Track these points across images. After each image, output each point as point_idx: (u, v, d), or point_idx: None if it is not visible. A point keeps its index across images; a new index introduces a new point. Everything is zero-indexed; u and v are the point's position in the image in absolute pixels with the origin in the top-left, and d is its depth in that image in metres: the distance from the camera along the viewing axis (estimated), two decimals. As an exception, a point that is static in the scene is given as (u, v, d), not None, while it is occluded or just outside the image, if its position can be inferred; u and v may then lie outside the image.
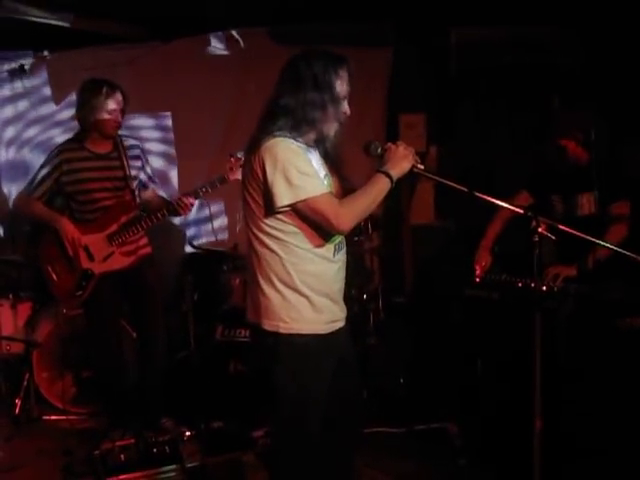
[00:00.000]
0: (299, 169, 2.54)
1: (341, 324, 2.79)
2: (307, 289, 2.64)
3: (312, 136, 2.67)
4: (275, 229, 2.62)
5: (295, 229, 2.62)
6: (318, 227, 2.62)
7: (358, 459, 3.22)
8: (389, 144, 2.72)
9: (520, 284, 3.92)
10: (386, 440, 4.22)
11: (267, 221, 2.62)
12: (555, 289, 3.78)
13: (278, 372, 2.68)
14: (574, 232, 2.82)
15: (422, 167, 2.73)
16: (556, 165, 4.04)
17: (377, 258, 5.30)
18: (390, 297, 5.25)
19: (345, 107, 2.69)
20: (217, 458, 3.92)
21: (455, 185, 2.76)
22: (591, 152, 3.98)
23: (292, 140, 2.60)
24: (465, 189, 2.76)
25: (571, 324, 3.68)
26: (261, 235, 2.65)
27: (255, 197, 2.63)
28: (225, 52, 5.77)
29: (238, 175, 3.95)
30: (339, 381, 2.81)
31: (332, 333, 2.74)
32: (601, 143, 4.12)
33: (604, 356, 3.63)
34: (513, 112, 5.39)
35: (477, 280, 4.14)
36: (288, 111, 2.61)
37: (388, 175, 2.64)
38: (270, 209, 2.59)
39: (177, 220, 5.56)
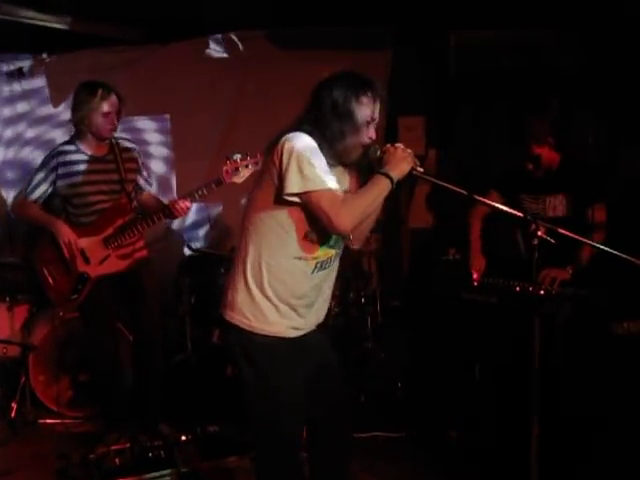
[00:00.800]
0: (312, 162, 2.55)
1: (307, 331, 2.79)
2: (272, 294, 2.65)
3: (333, 160, 2.67)
4: (267, 226, 2.63)
5: (286, 231, 2.62)
6: (311, 232, 2.62)
7: (355, 464, 3.20)
8: (388, 146, 2.71)
9: (518, 288, 3.91)
10: (383, 444, 4.22)
11: (263, 216, 2.63)
12: (553, 293, 3.78)
13: (246, 371, 2.71)
14: (574, 236, 2.81)
15: (421, 170, 2.71)
16: (531, 171, 4.05)
17: (375, 261, 5.28)
18: (388, 300, 5.24)
19: (370, 132, 2.69)
20: (212, 463, 3.91)
21: (454, 188, 2.74)
22: (561, 153, 4.00)
23: (314, 142, 2.60)
24: (464, 192, 2.75)
25: (569, 328, 3.66)
26: (251, 230, 2.67)
27: (264, 188, 2.64)
28: (224, 55, 5.77)
29: (234, 178, 3.94)
30: (324, 387, 2.82)
31: (296, 339, 2.74)
32: (600, 145, 4.13)
33: (602, 360, 3.61)
34: (512, 115, 5.37)
35: (475, 284, 4.14)
36: (308, 129, 2.62)
37: (388, 176, 2.62)
38: (279, 197, 2.59)
39: (174, 223, 5.55)
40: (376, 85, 2.69)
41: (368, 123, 2.67)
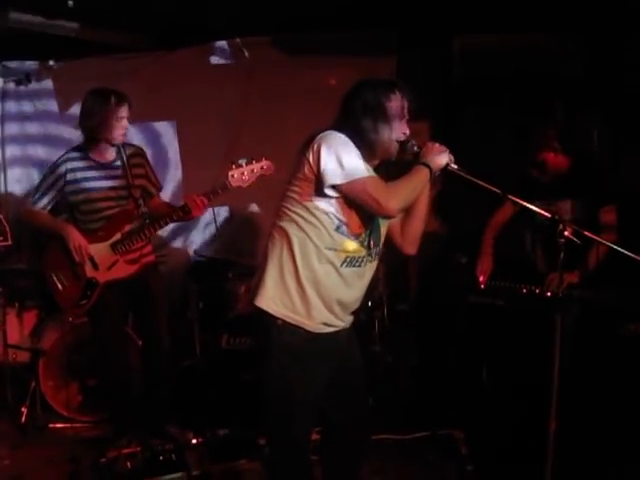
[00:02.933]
0: (351, 155, 2.64)
1: (334, 329, 2.81)
2: (306, 283, 2.70)
3: (374, 160, 2.75)
4: (301, 217, 2.69)
5: (320, 222, 2.67)
6: (358, 216, 2.69)
7: (364, 466, 3.21)
8: (426, 142, 2.80)
9: (525, 290, 3.93)
10: (392, 447, 4.22)
11: (298, 208, 2.70)
12: (560, 295, 3.79)
13: (267, 362, 2.75)
14: (595, 237, 2.85)
15: (455, 166, 2.81)
16: (538, 177, 4.06)
17: (382, 265, 5.28)
18: (395, 304, 5.25)
19: (403, 127, 2.76)
20: (223, 466, 3.92)
21: (487, 186, 2.82)
22: (571, 156, 4.01)
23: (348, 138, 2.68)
24: (498, 191, 2.85)
25: (576, 330, 3.68)
26: (285, 220, 2.73)
27: (298, 184, 2.71)
28: (229, 61, 5.81)
29: (240, 182, 3.95)
30: (346, 390, 2.84)
31: (324, 335, 2.77)
32: (604, 149, 4.15)
33: (609, 362, 3.63)
34: (517, 120, 5.39)
35: (481, 287, 4.16)
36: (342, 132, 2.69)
37: (427, 166, 2.72)
38: (318, 192, 2.65)
39: (182, 228, 5.57)
40: (402, 84, 2.78)
41: (400, 119, 2.74)
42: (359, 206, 2.69)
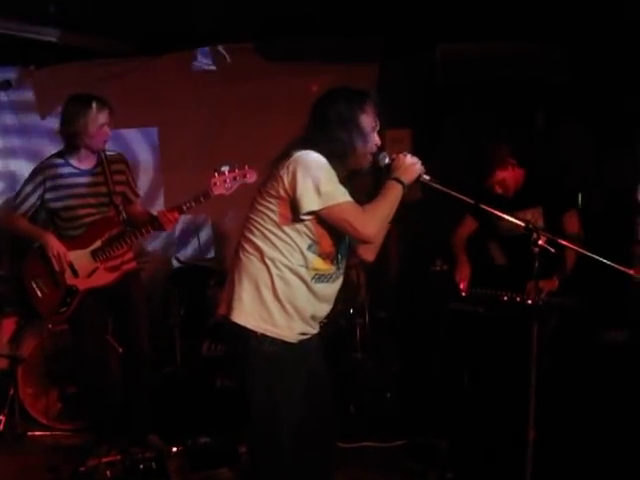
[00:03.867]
0: (328, 178, 2.64)
1: (308, 337, 2.83)
2: (283, 297, 2.70)
3: (341, 171, 2.72)
4: (274, 235, 2.69)
5: (293, 240, 2.68)
6: (330, 237, 2.70)
7: (345, 474, 3.22)
8: (396, 154, 2.79)
9: (505, 298, 3.95)
10: (373, 455, 4.23)
11: (271, 225, 2.70)
12: (540, 302, 3.81)
13: (248, 374, 2.75)
14: (569, 244, 2.87)
15: (427, 177, 2.81)
16: (501, 194, 4.11)
17: (363, 273, 5.30)
18: (377, 311, 5.25)
19: (375, 139, 2.77)
20: (203, 474, 3.91)
21: (459, 196, 2.82)
22: (525, 165, 4.07)
23: (323, 158, 2.67)
24: (470, 200, 2.85)
25: (556, 337, 3.70)
26: (257, 236, 2.72)
27: (270, 201, 2.70)
28: (212, 67, 5.79)
29: (222, 190, 3.95)
30: (313, 397, 2.84)
31: (300, 343, 2.79)
32: (584, 158, 4.18)
33: (588, 368, 3.65)
34: (499, 128, 5.42)
35: (463, 294, 4.17)
36: (315, 146, 2.69)
37: (400, 181, 2.72)
38: (293, 214, 2.66)
39: (163, 235, 5.55)
40: (372, 95, 2.80)
41: (372, 130, 2.76)
42: (332, 227, 2.70)
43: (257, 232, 2.73)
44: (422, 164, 2.79)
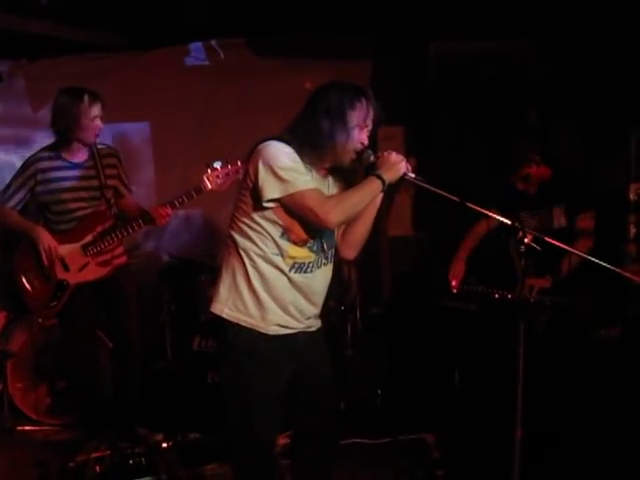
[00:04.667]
0: (289, 166, 2.63)
1: (291, 331, 2.81)
2: (259, 287, 2.72)
3: (316, 164, 2.72)
4: (247, 225, 2.71)
5: (264, 229, 2.69)
6: (301, 224, 2.69)
7: (335, 471, 3.20)
8: (382, 152, 2.77)
9: (496, 295, 3.96)
10: (363, 451, 4.22)
11: (244, 217, 2.72)
12: (532, 301, 3.82)
13: (223, 366, 2.81)
14: (558, 244, 2.87)
15: (413, 175, 2.79)
16: (524, 190, 4.11)
17: (355, 269, 5.29)
18: (368, 308, 5.25)
19: (361, 137, 2.74)
20: (193, 470, 3.90)
21: (445, 194, 2.80)
22: (552, 164, 4.07)
23: (289, 147, 2.66)
24: (456, 198, 2.81)
25: (547, 335, 3.71)
26: (234, 230, 2.76)
27: (243, 194, 2.73)
28: (204, 62, 5.77)
29: (214, 185, 3.96)
30: (311, 393, 2.84)
31: (280, 336, 2.77)
32: (575, 156, 4.19)
33: (579, 366, 3.66)
34: (491, 125, 5.43)
35: (454, 291, 4.18)
36: (296, 134, 2.69)
37: (380, 178, 2.71)
38: (258, 203, 2.67)
39: (155, 229, 5.53)
40: (370, 94, 2.75)
41: (360, 128, 2.72)
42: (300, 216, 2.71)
43: (234, 225, 2.77)
44: (407, 162, 2.77)
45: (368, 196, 2.72)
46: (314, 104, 2.72)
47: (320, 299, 2.88)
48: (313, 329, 2.90)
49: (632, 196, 4.28)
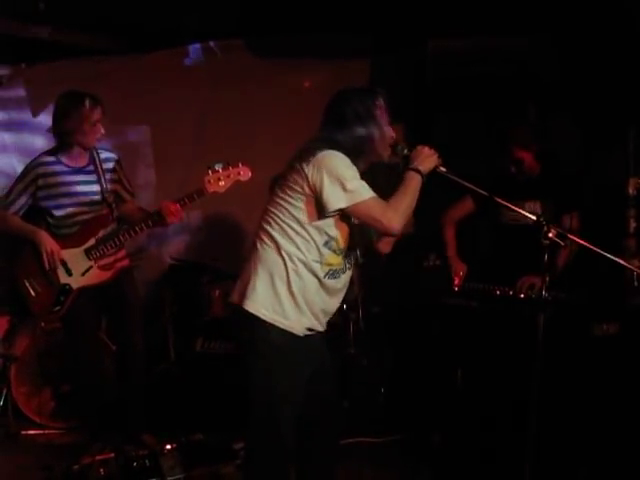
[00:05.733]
0: (352, 176, 2.73)
1: (314, 333, 2.89)
2: (297, 292, 2.77)
3: (362, 165, 2.81)
4: (293, 230, 2.76)
5: (310, 235, 2.75)
6: (345, 234, 2.80)
7: (339, 470, 3.21)
8: (416, 146, 2.88)
9: (498, 292, 3.96)
10: (366, 450, 4.23)
11: (290, 220, 2.77)
12: (533, 297, 3.82)
13: (252, 364, 2.81)
14: (579, 240, 2.89)
15: (444, 169, 2.91)
16: (511, 176, 4.11)
17: (357, 268, 5.29)
18: (370, 307, 5.25)
19: (390, 131, 2.87)
20: (198, 471, 3.90)
21: (474, 188, 2.94)
22: (543, 164, 4.08)
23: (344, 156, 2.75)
24: (484, 192, 2.97)
25: (549, 331, 3.71)
26: (276, 229, 2.79)
27: (292, 196, 2.77)
28: (202, 64, 5.78)
29: (216, 188, 3.96)
30: (319, 388, 2.88)
31: (307, 338, 2.85)
32: (574, 151, 4.18)
33: (582, 362, 3.66)
34: (490, 122, 5.43)
35: (456, 289, 4.18)
36: (335, 143, 2.77)
37: (419, 172, 2.82)
38: (320, 212, 2.73)
39: (156, 232, 5.54)
40: (382, 90, 2.91)
41: (386, 123, 2.85)
42: (352, 223, 2.81)
43: (276, 225, 2.79)
44: (439, 156, 2.88)
45: (415, 193, 2.82)
46: (341, 113, 2.81)
47: (340, 300, 2.96)
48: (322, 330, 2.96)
49: (631, 190, 4.28)
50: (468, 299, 4.10)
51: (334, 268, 2.82)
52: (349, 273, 2.93)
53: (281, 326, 2.77)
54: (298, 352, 2.80)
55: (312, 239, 2.76)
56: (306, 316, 2.81)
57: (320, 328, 2.91)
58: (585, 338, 3.67)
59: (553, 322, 3.73)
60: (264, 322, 2.76)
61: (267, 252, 2.80)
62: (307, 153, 2.75)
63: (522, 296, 3.87)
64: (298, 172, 2.75)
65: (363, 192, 2.71)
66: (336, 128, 2.81)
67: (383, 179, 2.91)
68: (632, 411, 3.56)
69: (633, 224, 4.34)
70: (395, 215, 2.74)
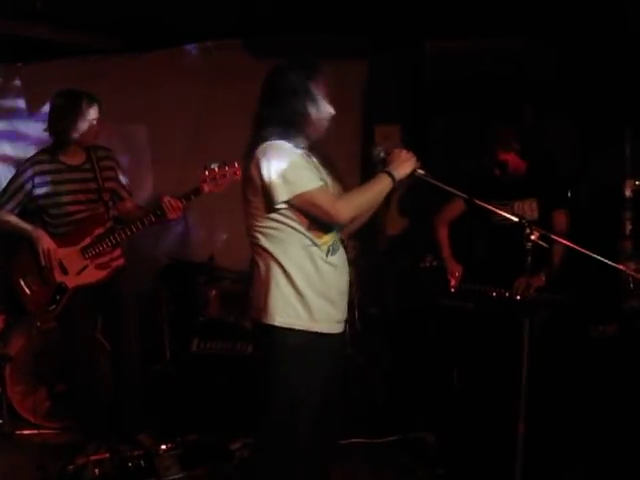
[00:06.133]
0: (293, 165, 2.67)
1: (338, 328, 2.87)
2: (305, 287, 2.73)
3: (302, 141, 2.77)
4: (272, 229, 2.74)
5: (290, 226, 2.72)
6: (314, 222, 2.73)
7: (335, 470, 3.21)
8: (393, 149, 2.84)
9: (494, 294, 3.96)
10: (364, 451, 4.22)
11: (265, 222, 2.75)
12: (529, 298, 3.82)
13: (271, 370, 2.78)
14: (562, 240, 2.88)
15: (422, 172, 2.85)
16: (497, 178, 4.11)
17: (354, 269, 5.28)
18: (367, 308, 5.25)
19: (328, 107, 2.80)
20: (193, 471, 3.90)
21: (454, 191, 2.90)
22: (528, 160, 4.08)
23: (284, 141, 2.71)
24: (464, 195, 2.95)
25: (545, 333, 3.71)
26: (260, 237, 2.77)
27: (253, 201, 2.75)
28: (199, 64, 5.77)
29: (212, 187, 3.95)
30: (325, 389, 2.84)
31: (328, 335, 2.80)
32: (571, 153, 4.18)
33: (578, 363, 3.66)
34: (487, 123, 5.44)
35: (452, 290, 4.18)
36: (273, 120, 2.72)
37: (390, 175, 2.77)
38: (269, 207, 2.70)
39: (152, 231, 5.53)
40: (323, 65, 2.84)
41: (324, 98, 2.78)
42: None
43: (258, 234, 2.77)
44: (417, 159, 2.82)
45: (379, 193, 2.78)
46: (276, 87, 2.76)
47: (348, 276, 2.91)
48: (342, 329, 2.92)
49: (628, 192, 4.29)
50: (464, 300, 4.11)
51: (330, 243, 2.78)
52: (342, 248, 2.88)
53: (298, 327, 2.73)
54: (317, 352, 2.76)
55: (292, 228, 2.72)
56: (319, 310, 2.75)
57: (339, 317, 2.85)
58: (582, 340, 3.67)
59: (550, 323, 3.75)
60: (280, 328, 2.73)
61: (263, 264, 2.77)
62: (251, 151, 2.72)
63: (518, 298, 3.86)
64: (249, 174, 2.73)
65: (305, 182, 2.67)
66: (272, 104, 2.75)
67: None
68: (629, 412, 3.56)
69: (629, 226, 4.35)
70: (346, 206, 2.71)
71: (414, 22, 5.21)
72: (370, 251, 5.65)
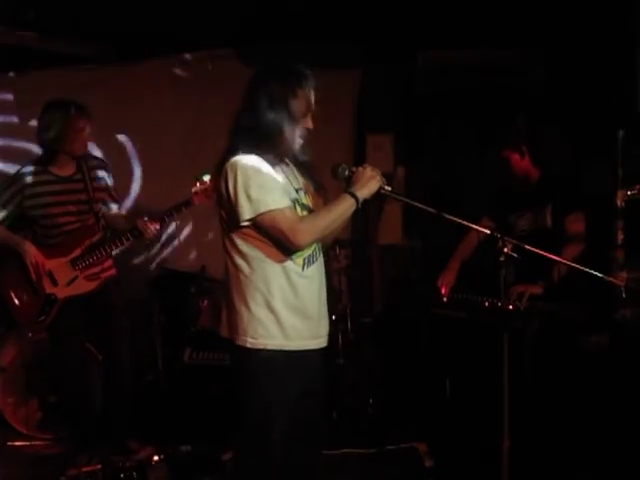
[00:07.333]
0: (259, 183, 2.58)
1: (314, 345, 2.78)
2: (278, 305, 2.66)
3: (274, 155, 2.69)
4: (243, 245, 2.66)
5: (260, 243, 2.65)
6: (278, 242, 2.65)
7: (326, 480, 3.20)
8: (356, 167, 2.75)
9: (487, 303, 3.95)
10: (355, 461, 4.20)
11: (235, 238, 2.68)
12: (521, 308, 3.81)
13: (243, 389, 2.73)
14: (539, 251, 2.86)
15: (389, 188, 2.76)
16: (507, 181, 4.12)
17: (345, 278, 5.29)
18: (359, 317, 5.25)
19: (306, 123, 2.71)
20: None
21: (422, 206, 2.80)
22: (542, 168, 4.07)
23: (255, 156, 2.63)
24: (433, 210, 2.80)
25: (537, 343, 3.71)
26: (232, 253, 2.70)
27: (224, 216, 2.70)
28: (192, 73, 5.78)
29: (204, 198, 3.94)
30: (305, 405, 2.80)
31: (302, 352, 2.73)
32: (563, 160, 4.18)
33: (570, 374, 3.66)
34: (479, 133, 5.45)
35: (444, 300, 4.17)
36: (247, 130, 2.65)
37: (354, 196, 2.67)
38: (235, 225, 2.64)
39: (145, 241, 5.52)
40: (310, 76, 2.71)
41: (304, 115, 2.69)
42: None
43: (232, 251, 2.71)
44: (382, 176, 2.73)
45: (341, 215, 2.68)
46: (256, 95, 2.66)
47: (325, 285, 2.84)
48: (324, 344, 2.85)
49: (619, 202, 4.28)
50: (457, 310, 4.10)
51: (307, 255, 2.70)
52: (321, 260, 2.81)
53: (270, 347, 2.67)
54: (291, 370, 2.69)
55: (266, 244, 2.64)
56: (292, 327, 2.68)
57: (318, 331, 2.78)
58: (574, 350, 3.67)
59: (543, 333, 3.74)
60: (251, 349, 2.67)
61: (235, 281, 2.70)
62: (220, 165, 2.65)
63: (510, 307, 3.85)
64: (219, 189, 2.66)
65: (268, 202, 2.57)
66: (249, 112, 2.66)
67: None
68: (621, 422, 3.56)
69: (621, 236, 4.35)
70: (306, 230, 2.61)
71: (407, 33, 5.23)
72: (362, 260, 5.66)
